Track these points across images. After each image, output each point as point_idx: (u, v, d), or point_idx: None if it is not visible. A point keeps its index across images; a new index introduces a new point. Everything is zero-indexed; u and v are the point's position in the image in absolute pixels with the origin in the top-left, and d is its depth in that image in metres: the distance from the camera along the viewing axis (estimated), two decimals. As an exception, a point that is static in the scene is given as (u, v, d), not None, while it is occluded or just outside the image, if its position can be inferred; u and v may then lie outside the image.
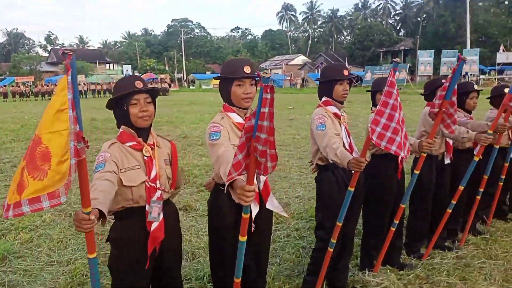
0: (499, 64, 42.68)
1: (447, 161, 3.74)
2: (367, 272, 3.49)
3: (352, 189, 2.73)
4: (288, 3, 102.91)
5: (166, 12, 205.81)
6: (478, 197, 3.98)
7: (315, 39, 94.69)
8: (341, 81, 2.97)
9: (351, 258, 3.62)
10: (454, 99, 2.98)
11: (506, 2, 63.56)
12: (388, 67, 51.25)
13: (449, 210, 3.65)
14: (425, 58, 47.08)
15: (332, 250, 2.96)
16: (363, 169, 2.62)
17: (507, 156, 4.21)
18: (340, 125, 3.02)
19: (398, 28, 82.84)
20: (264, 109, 1.68)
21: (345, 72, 2.96)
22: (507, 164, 4.21)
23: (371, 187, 3.35)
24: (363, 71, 53.92)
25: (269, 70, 75.28)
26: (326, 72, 3.09)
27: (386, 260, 3.64)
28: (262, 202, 2.40)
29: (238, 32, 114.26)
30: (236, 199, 1.88)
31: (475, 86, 3.93)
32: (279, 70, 70.38)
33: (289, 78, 62.41)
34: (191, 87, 67.35)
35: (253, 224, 2.36)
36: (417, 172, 3.06)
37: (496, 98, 4.25)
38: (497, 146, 3.77)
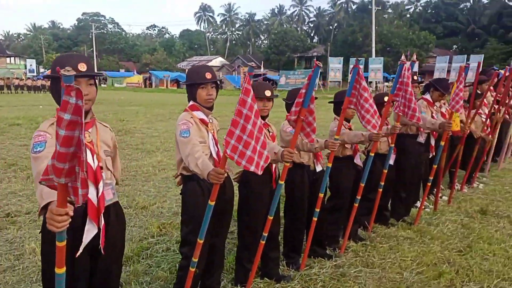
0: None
1: (318, 168, 3.66)
2: (239, 287, 3.29)
3: (212, 203, 2.49)
4: (206, 4, 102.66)
5: (76, 5, 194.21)
6: (356, 205, 3.97)
7: (233, 42, 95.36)
8: (203, 85, 2.78)
9: (228, 272, 3.42)
10: (312, 106, 2.88)
11: (408, 15, 69.08)
12: (301, 72, 53.08)
13: (315, 218, 3.56)
14: (335, 64, 49.27)
15: (194, 269, 2.69)
16: (223, 181, 2.40)
17: (386, 163, 4.27)
18: (208, 132, 2.82)
19: (312, 35, 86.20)
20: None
21: (208, 75, 2.78)
22: (385, 171, 4.27)
23: (242, 198, 3.17)
24: (278, 75, 55.16)
25: (187, 70, 74.40)
26: (189, 75, 2.88)
27: (264, 273, 3.48)
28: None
29: (155, 30, 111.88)
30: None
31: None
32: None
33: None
34: (102, 85, 64.52)
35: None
36: (282, 183, 2.90)
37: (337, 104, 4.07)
38: (372, 154, 3.79)
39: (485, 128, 6.22)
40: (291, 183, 3.55)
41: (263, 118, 3.17)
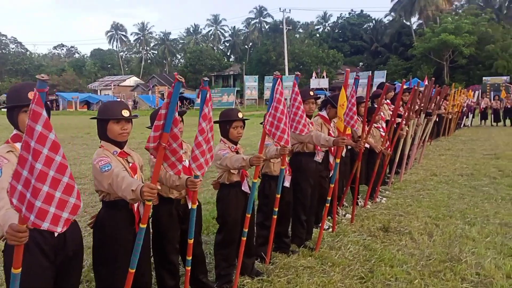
0: (312, 89, 47.56)
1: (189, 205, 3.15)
2: None
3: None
4: (118, 23, 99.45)
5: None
6: (244, 238, 3.48)
7: (149, 61, 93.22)
8: (117, 120, 2.68)
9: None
10: (176, 131, 2.37)
11: (317, 35, 72.37)
12: (218, 90, 52.95)
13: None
14: (250, 83, 49.82)
15: None
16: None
17: (278, 186, 3.85)
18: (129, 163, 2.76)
19: (228, 54, 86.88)
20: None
21: (125, 113, 2.67)
22: (278, 195, 3.85)
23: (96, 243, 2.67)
24: (195, 93, 54.59)
25: (99, 91, 71.19)
26: (101, 110, 2.77)
27: None
28: None
29: (63, 49, 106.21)
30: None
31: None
32: (109, 91, 66.86)
33: (119, 99, 59.42)
34: (2, 110, 58.92)
35: None
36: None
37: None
38: (255, 181, 3.35)
39: (385, 142, 6.14)
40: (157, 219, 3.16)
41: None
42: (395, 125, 6.83)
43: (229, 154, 3.38)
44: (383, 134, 6.19)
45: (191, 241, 2.94)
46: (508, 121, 20.16)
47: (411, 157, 8.49)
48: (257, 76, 51.23)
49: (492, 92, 29.28)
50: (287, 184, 4.12)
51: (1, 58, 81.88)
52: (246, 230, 3.43)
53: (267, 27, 77.21)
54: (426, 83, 14.44)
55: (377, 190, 6.27)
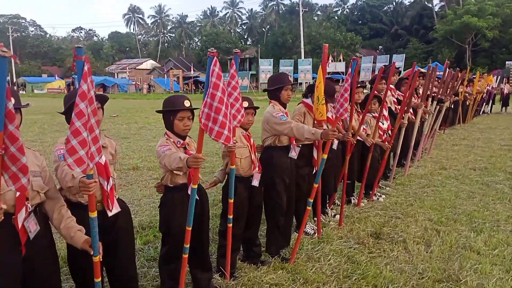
0: (329, 73, 46.53)
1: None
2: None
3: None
4: (135, 5, 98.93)
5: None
6: (185, 256, 2.88)
7: (166, 44, 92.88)
8: None
9: None
10: (13, 128, 1.76)
11: (336, 18, 70.61)
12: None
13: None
14: (265, 66, 48.86)
15: None
16: None
17: (230, 191, 3.24)
18: None
19: (246, 37, 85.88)
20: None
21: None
22: (231, 200, 3.23)
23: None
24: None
25: (116, 74, 71.20)
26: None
27: None
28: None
29: (81, 32, 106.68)
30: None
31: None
32: (126, 74, 66.99)
33: (134, 82, 59.39)
34: (20, 92, 60.28)
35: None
36: None
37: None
38: (194, 186, 2.73)
39: (382, 133, 5.44)
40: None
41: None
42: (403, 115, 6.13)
43: (169, 152, 2.76)
44: (383, 126, 5.48)
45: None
46: (531, 108, 18.99)
47: (419, 148, 7.74)
48: (272, 59, 50.24)
49: (515, 77, 27.79)
50: (255, 183, 3.51)
51: (20, 41, 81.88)
52: (187, 246, 2.83)
53: (284, 9, 75.67)
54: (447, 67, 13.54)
55: (374, 187, 5.58)
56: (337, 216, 4.86)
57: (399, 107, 6.11)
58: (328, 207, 5.07)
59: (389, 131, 5.74)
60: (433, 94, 8.41)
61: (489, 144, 9.81)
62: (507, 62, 39.68)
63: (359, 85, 5.03)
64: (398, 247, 3.99)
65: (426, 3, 60.48)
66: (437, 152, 8.82)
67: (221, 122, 2.45)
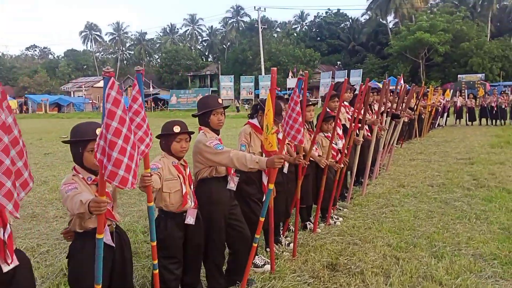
0: (289, 88, 46.82)
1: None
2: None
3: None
4: (92, 23, 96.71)
5: None
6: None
7: (125, 62, 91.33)
8: None
9: None
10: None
11: (295, 34, 71.67)
12: (193, 91, 51.68)
13: None
14: (226, 83, 48.72)
15: None
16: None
17: (151, 232, 2.80)
18: None
19: (206, 53, 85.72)
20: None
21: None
22: (154, 243, 2.79)
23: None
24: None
25: (72, 93, 69.10)
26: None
27: None
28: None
29: (35, 50, 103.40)
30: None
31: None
32: (83, 92, 65.16)
33: (91, 101, 57.65)
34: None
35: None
36: None
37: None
38: (100, 236, 2.27)
39: (335, 154, 5.15)
40: None
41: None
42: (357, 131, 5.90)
43: (73, 192, 2.29)
44: (337, 145, 5.19)
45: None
46: (484, 120, 19.52)
47: (376, 165, 7.54)
48: (233, 76, 50.18)
49: (467, 90, 28.77)
50: (190, 221, 3.07)
51: None
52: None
53: (244, 26, 76.20)
54: (402, 81, 13.66)
55: (329, 210, 5.26)
56: (292, 245, 4.48)
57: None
58: (282, 235, 4.68)
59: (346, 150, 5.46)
60: (387, 110, 8.32)
61: (446, 158, 9.80)
62: (459, 76, 41.29)
63: (309, 103, 4.74)
64: (355, 279, 3.63)
65: (381, 20, 62.40)
66: (395, 168, 8.68)
67: (115, 159, 1.96)
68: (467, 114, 19.97)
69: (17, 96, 64.03)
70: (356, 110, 5.87)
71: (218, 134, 3.42)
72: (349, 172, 6.41)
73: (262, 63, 51.41)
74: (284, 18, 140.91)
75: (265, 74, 49.93)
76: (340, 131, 5.44)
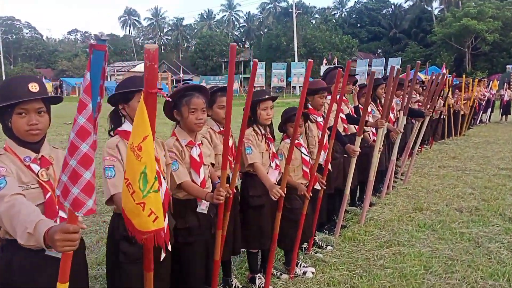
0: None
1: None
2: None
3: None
4: (130, 8, 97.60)
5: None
6: None
7: (162, 47, 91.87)
8: None
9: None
10: None
11: (333, 20, 68.92)
12: (222, 77, 50.40)
13: None
14: (258, 69, 47.03)
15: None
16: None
17: None
18: None
19: (243, 40, 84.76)
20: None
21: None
22: None
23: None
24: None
25: (109, 77, 69.74)
26: None
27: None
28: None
29: (77, 34, 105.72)
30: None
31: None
32: (120, 77, 65.81)
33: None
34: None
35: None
36: None
37: None
38: None
39: (307, 171, 3.48)
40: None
41: None
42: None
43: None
44: (308, 158, 3.54)
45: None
46: (535, 117, 16.97)
47: (387, 178, 5.78)
48: (264, 62, 48.40)
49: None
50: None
51: (15, 43, 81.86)
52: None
53: (279, 11, 74.27)
54: (444, 71, 11.71)
55: (293, 255, 3.58)
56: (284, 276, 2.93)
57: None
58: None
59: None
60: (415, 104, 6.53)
61: (485, 167, 7.83)
62: (507, 66, 37.74)
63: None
64: None
65: (425, 6, 58.67)
66: (417, 180, 6.84)
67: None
68: (516, 109, 17.41)
69: (54, 79, 65.24)
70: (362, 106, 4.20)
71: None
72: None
73: (296, 49, 49.35)
74: (324, 3, 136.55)
75: (298, 61, 47.95)
76: (327, 139, 3.78)
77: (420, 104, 7.02)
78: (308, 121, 3.75)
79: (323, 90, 3.84)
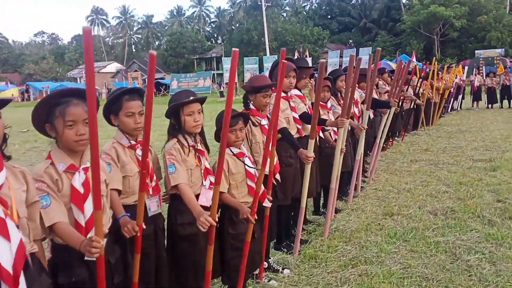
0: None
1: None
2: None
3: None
4: (98, 7, 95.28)
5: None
6: None
7: (133, 46, 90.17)
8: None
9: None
10: None
11: (304, 13, 68.55)
12: (194, 75, 49.55)
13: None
14: (229, 65, 46.15)
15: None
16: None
17: None
18: None
19: (216, 36, 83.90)
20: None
21: None
22: None
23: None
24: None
25: (78, 79, 67.63)
26: None
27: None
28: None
29: (43, 36, 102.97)
30: None
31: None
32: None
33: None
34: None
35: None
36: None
37: None
38: None
39: (252, 186, 2.87)
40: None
41: None
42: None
43: None
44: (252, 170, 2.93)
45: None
46: (506, 102, 16.82)
47: (353, 179, 5.23)
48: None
49: (485, 68, 25.72)
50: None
51: None
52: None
53: (248, 5, 73.57)
54: (414, 59, 11.35)
55: (239, 281, 2.97)
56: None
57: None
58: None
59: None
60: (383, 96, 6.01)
61: (458, 159, 7.39)
62: (476, 52, 38.03)
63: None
64: None
65: (394, -6, 58.94)
66: (387, 177, 6.33)
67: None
68: (486, 95, 17.22)
69: (21, 84, 62.98)
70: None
71: None
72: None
73: (267, 42, 48.75)
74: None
75: (270, 54, 47.42)
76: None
77: (389, 95, 6.54)
78: (250, 124, 3.14)
79: (266, 88, 3.24)
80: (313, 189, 4.01)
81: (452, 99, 15.19)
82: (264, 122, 3.28)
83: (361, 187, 5.72)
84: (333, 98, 4.89)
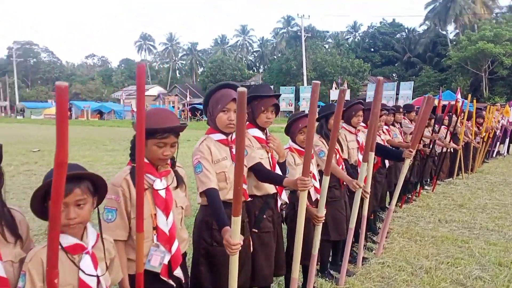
0: (332, 101, 42.97)
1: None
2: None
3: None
4: (146, 33, 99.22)
5: (7, 34, 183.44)
6: None
7: (177, 71, 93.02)
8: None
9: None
10: None
11: (346, 45, 67.76)
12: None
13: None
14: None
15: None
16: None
17: None
18: None
19: (258, 64, 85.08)
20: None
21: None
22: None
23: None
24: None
25: (122, 100, 69.50)
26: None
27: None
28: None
29: (93, 59, 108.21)
30: None
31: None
32: (132, 101, 65.95)
33: (131, 109, 57.30)
34: (17, 117, 60.53)
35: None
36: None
37: None
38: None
39: None
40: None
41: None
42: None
43: None
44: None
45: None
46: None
47: (345, 256, 3.89)
48: (272, 86, 47.04)
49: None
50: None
51: (33, 67, 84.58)
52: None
53: (289, 35, 74.06)
54: (459, 96, 9.95)
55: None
56: None
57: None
58: None
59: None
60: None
61: (501, 223, 5.85)
62: (527, 91, 35.41)
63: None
64: None
65: (440, 30, 56.97)
66: (403, 245, 4.90)
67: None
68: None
69: (66, 102, 65.60)
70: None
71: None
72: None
73: (305, 72, 48.06)
74: (337, 28, 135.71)
75: (307, 84, 46.62)
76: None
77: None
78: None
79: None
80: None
81: (498, 142, 13.40)
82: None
83: (364, 258, 4.34)
84: (324, 142, 3.66)
